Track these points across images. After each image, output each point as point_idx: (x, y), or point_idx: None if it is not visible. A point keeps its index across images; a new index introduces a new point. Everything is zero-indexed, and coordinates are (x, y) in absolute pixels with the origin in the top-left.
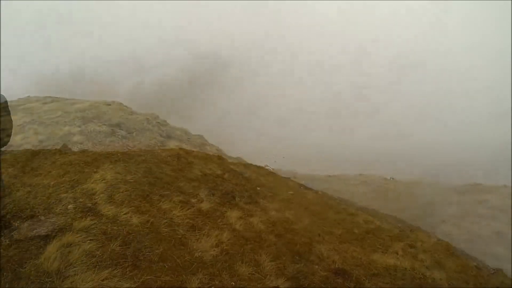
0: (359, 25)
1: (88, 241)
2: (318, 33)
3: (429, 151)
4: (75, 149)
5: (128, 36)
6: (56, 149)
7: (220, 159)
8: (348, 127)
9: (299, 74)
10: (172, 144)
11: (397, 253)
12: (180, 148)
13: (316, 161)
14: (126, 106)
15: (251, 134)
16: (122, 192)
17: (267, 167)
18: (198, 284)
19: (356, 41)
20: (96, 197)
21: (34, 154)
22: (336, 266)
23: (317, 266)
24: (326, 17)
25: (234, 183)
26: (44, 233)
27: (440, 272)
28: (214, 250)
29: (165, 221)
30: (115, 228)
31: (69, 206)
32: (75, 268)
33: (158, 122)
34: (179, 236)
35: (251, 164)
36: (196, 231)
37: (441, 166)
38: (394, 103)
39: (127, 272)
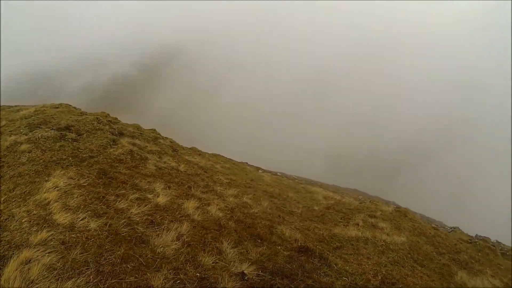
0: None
1: (47, 254)
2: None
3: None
4: (24, 159)
5: (78, 35)
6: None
7: (174, 151)
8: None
9: (249, 66)
10: (125, 142)
11: (358, 225)
12: (133, 145)
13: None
14: (75, 108)
15: (204, 124)
16: (76, 197)
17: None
18: (163, 280)
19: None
20: (51, 207)
21: None
22: (299, 244)
23: (279, 247)
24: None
25: (189, 173)
26: (1, 254)
27: (401, 237)
28: (176, 244)
29: (124, 221)
30: (73, 236)
31: (23, 221)
32: (37, 285)
33: (109, 121)
34: (139, 234)
35: (206, 152)
36: (156, 227)
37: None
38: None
39: (91, 280)
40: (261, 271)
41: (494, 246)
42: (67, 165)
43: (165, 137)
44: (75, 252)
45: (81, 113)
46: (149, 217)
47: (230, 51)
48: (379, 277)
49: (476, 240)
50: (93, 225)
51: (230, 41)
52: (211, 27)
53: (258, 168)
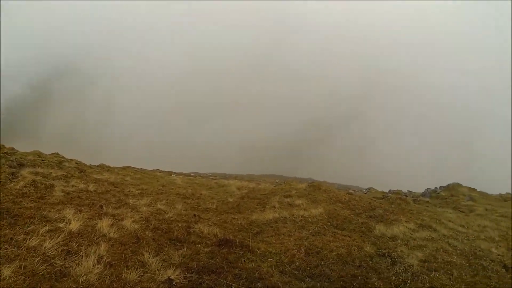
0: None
1: None
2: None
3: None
4: None
5: None
6: None
7: (81, 172)
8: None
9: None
10: (26, 172)
11: (275, 207)
12: (36, 174)
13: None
14: None
15: (109, 139)
16: None
17: None
18: None
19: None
20: None
21: None
22: (218, 238)
23: (200, 245)
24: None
25: (100, 192)
26: None
27: (318, 209)
28: (98, 268)
29: (39, 258)
30: None
31: None
32: None
33: (5, 153)
34: (59, 268)
35: (115, 167)
36: (74, 256)
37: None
38: None
39: None
40: (187, 273)
41: (406, 195)
42: None
43: (70, 159)
44: None
45: None
46: (65, 248)
47: (121, 63)
48: (303, 250)
49: (389, 194)
50: (6, 272)
51: (120, 54)
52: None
53: (170, 173)
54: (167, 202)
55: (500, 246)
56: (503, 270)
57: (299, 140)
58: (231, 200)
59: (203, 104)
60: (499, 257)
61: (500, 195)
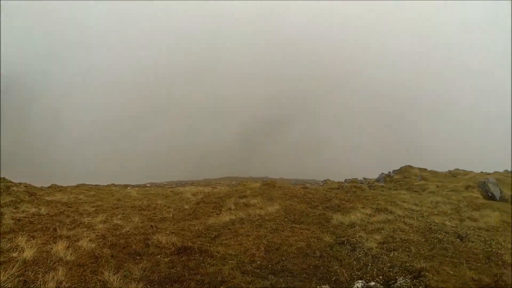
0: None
1: None
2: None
3: None
4: None
5: None
6: None
7: (32, 195)
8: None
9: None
10: None
11: (231, 209)
12: None
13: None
14: None
15: (60, 157)
16: None
17: None
18: None
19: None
20: None
21: None
22: (177, 246)
23: (159, 256)
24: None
25: (53, 214)
26: None
27: (274, 206)
28: None
29: None
30: None
31: None
32: None
33: None
34: None
35: (68, 186)
36: (31, 285)
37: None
38: None
39: None
40: (149, 285)
41: (361, 183)
42: None
43: (19, 183)
44: None
45: None
46: (21, 278)
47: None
48: (263, 248)
49: (345, 184)
50: None
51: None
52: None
53: (126, 186)
54: (123, 216)
55: (453, 218)
56: (458, 240)
57: (251, 140)
58: (187, 207)
59: (147, 112)
60: (453, 228)
61: (449, 171)
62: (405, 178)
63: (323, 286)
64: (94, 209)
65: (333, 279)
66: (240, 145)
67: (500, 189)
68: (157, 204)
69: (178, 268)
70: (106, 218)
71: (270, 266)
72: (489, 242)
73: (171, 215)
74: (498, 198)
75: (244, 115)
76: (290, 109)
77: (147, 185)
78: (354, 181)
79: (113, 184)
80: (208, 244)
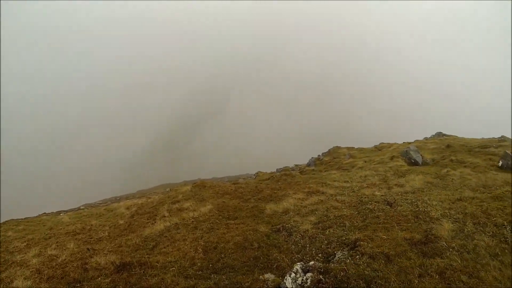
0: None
1: None
2: None
3: None
4: None
5: None
6: None
7: None
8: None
9: None
10: None
11: (165, 216)
12: None
13: None
14: None
15: None
16: None
17: None
18: None
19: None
20: None
21: None
22: (116, 264)
23: (99, 278)
24: None
25: None
26: None
27: (207, 206)
28: None
29: None
30: None
31: None
32: None
33: None
34: None
35: None
36: None
37: None
38: None
39: None
40: None
41: (293, 170)
42: None
43: None
44: None
45: None
46: None
47: None
48: (201, 250)
49: (275, 173)
50: None
51: None
52: None
53: (58, 213)
54: (57, 245)
55: (381, 188)
56: (388, 207)
57: (174, 142)
58: (122, 222)
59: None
60: (382, 197)
61: (375, 146)
62: (334, 159)
63: (265, 275)
64: (25, 244)
65: (274, 266)
66: (164, 149)
67: (421, 155)
68: (91, 225)
69: (120, 287)
70: (40, 251)
71: (211, 265)
72: (416, 203)
73: (106, 234)
74: (420, 163)
75: (160, 120)
76: (209, 108)
77: (81, 207)
78: (285, 169)
79: (44, 213)
80: (147, 256)
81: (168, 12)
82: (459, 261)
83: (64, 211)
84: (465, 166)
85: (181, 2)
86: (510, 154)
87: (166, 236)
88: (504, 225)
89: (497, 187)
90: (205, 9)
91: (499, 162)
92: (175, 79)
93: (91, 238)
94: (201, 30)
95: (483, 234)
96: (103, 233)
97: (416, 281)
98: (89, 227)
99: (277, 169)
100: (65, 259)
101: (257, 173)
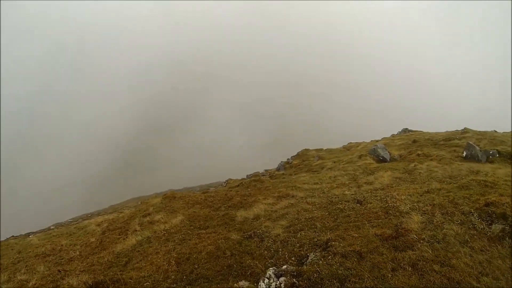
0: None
1: None
2: None
3: None
4: None
5: None
6: None
7: None
8: None
9: None
10: None
11: (136, 230)
12: None
13: None
14: None
15: None
16: None
17: None
18: None
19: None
20: None
21: None
22: (89, 284)
23: None
24: None
25: None
26: None
27: (178, 217)
28: None
29: None
30: None
31: None
32: None
33: None
34: None
35: None
36: None
37: None
38: None
39: None
40: None
41: (263, 175)
42: None
43: None
44: None
45: None
46: None
47: None
48: (173, 262)
49: (246, 179)
50: None
51: None
52: None
53: (28, 235)
54: (27, 270)
55: (351, 187)
56: (358, 205)
57: (145, 153)
58: (93, 239)
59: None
60: (352, 196)
61: (343, 146)
62: (303, 162)
63: (239, 283)
64: None
65: (248, 273)
66: (133, 161)
67: (389, 152)
68: (62, 245)
69: None
70: (8, 277)
71: (184, 277)
72: (385, 199)
73: (78, 253)
74: (388, 160)
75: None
76: (172, 115)
77: (51, 227)
78: (255, 175)
79: (12, 236)
80: (120, 273)
81: (125, 12)
82: (430, 252)
83: (33, 232)
84: (431, 159)
85: (147, 2)
86: (473, 144)
87: (138, 251)
88: (471, 212)
89: (463, 177)
90: (168, 11)
91: (463, 153)
92: (136, 84)
93: (62, 259)
94: (164, 32)
95: (452, 223)
96: (74, 252)
97: (390, 275)
98: (59, 247)
99: (247, 175)
100: (35, 284)
101: (227, 180)
